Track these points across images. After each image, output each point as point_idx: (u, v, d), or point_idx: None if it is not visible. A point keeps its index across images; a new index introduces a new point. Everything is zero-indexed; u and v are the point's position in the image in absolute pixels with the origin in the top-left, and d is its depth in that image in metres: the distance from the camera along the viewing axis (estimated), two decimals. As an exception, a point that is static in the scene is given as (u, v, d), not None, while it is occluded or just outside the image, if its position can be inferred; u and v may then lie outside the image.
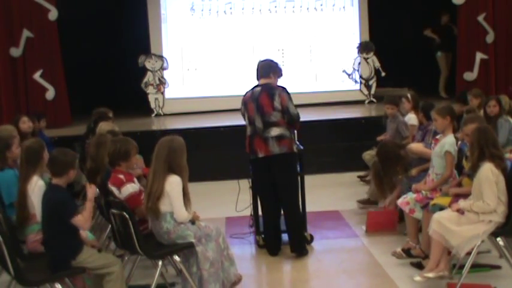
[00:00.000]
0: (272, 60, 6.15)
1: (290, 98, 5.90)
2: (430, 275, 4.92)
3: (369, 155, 7.68)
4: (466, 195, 5.10)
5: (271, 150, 5.84)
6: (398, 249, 5.77)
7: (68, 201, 4.51)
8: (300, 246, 5.97)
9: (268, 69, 6.04)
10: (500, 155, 4.90)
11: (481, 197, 4.81)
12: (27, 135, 7.07)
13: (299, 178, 6.12)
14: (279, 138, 5.82)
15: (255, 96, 5.96)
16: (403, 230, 6.28)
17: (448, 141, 5.54)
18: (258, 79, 6.09)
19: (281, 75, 6.12)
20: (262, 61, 6.15)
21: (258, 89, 6.00)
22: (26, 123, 7.50)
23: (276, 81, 6.06)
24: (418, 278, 4.97)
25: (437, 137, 5.83)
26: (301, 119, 6.02)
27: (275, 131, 5.82)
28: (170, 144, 4.77)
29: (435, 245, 4.96)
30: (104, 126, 6.58)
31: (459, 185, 5.38)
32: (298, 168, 6.15)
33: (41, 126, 8.17)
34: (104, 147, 5.43)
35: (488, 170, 4.76)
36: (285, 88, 5.95)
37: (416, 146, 6.27)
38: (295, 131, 6.11)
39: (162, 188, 4.68)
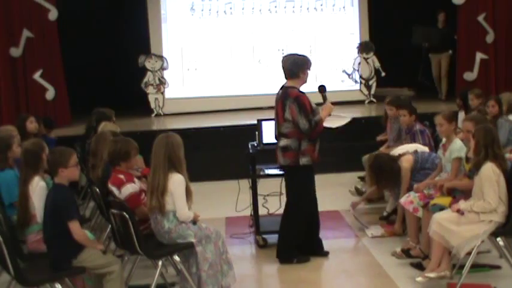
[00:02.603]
0: (298, 56, 5.75)
1: (301, 109, 5.52)
2: (432, 275, 4.92)
3: None
4: (465, 194, 5.11)
5: (279, 161, 5.81)
6: (398, 250, 5.77)
7: (69, 203, 4.50)
8: (282, 254, 5.89)
9: (296, 68, 5.66)
10: (503, 155, 4.92)
11: (482, 196, 4.81)
12: (32, 136, 7.08)
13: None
14: (284, 149, 5.69)
15: (276, 101, 5.76)
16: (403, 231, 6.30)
17: (455, 148, 5.58)
18: (285, 78, 5.77)
19: (309, 67, 5.71)
20: (287, 57, 5.75)
21: (280, 92, 5.74)
22: (33, 123, 7.53)
23: (305, 77, 5.71)
24: (419, 279, 4.96)
25: (443, 142, 5.84)
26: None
27: (282, 142, 5.69)
28: (166, 140, 4.78)
29: (436, 246, 4.96)
30: (107, 127, 6.59)
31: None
32: None
33: (45, 132, 8.17)
34: (104, 144, 5.47)
35: (489, 169, 4.77)
36: (298, 96, 5.57)
37: (405, 161, 6.23)
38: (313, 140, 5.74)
39: (165, 184, 4.69)
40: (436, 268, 4.95)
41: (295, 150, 5.64)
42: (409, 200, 5.65)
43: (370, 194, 6.92)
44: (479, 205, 4.82)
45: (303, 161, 5.65)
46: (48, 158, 4.65)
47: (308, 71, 5.71)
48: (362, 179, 8.44)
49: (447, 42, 11.33)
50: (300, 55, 5.80)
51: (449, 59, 11.41)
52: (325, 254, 5.96)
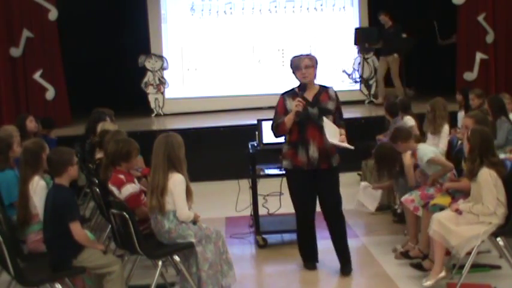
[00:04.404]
0: (292, 57, 5.60)
1: (275, 108, 5.54)
2: (429, 282, 4.91)
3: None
4: (464, 194, 5.11)
5: None
6: (399, 246, 5.76)
7: (71, 203, 4.50)
8: None
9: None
10: (500, 161, 4.91)
11: (480, 200, 4.80)
12: (32, 135, 7.09)
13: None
14: None
15: None
16: (403, 230, 6.29)
17: (422, 155, 5.53)
18: None
19: (296, 67, 5.46)
20: None
21: None
22: (32, 122, 7.54)
23: (299, 78, 5.50)
24: (428, 283, 4.93)
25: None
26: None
27: None
28: (166, 140, 4.78)
29: (437, 247, 4.94)
30: (106, 126, 6.59)
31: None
32: None
33: (45, 132, 8.17)
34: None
35: (487, 174, 4.76)
36: (279, 99, 5.56)
37: (408, 158, 6.21)
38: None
39: (165, 183, 4.68)
40: (441, 270, 4.93)
41: (282, 152, 5.60)
42: (410, 199, 5.63)
43: (385, 186, 6.75)
44: (478, 208, 4.81)
45: (283, 164, 5.57)
46: (51, 158, 4.61)
47: (297, 72, 5.48)
48: (361, 175, 8.45)
49: (392, 44, 10.97)
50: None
51: (398, 62, 11.04)
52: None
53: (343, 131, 5.46)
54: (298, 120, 5.35)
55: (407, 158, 6.12)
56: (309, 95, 5.47)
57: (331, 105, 5.49)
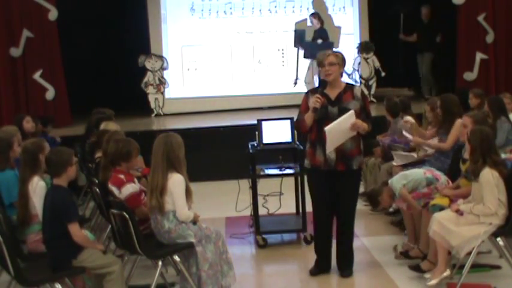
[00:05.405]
0: (319, 54, 5.57)
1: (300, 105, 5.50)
2: (434, 281, 4.91)
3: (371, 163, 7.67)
4: (462, 197, 5.11)
5: None
6: (399, 246, 5.76)
7: (69, 204, 4.50)
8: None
9: None
10: (502, 161, 4.90)
11: (481, 201, 4.80)
12: (30, 135, 7.10)
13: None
14: None
15: None
16: (403, 230, 6.29)
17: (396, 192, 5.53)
18: None
19: (320, 63, 5.40)
20: None
21: None
22: (29, 123, 7.56)
23: (323, 74, 5.43)
24: (432, 282, 4.92)
25: None
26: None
27: None
28: (165, 140, 4.78)
29: (440, 247, 4.93)
30: (109, 126, 6.58)
31: (457, 187, 5.36)
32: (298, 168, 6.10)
33: (44, 130, 8.17)
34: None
35: (489, 174, 4.75)
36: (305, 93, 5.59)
37: (458, 125, 6.11)
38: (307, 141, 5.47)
39: (164, 183, 4.68)
40: (444, 271, 4.93)
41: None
42: (402, 200, 5.63)
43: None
44: (478, 208, 4.81)
45: (305, 163, 5.51)
46: (50, 159, 4.59)
47: (321, 69, 5.40)
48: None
49: (312, 49, 10.72)
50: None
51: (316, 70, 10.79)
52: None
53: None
54: (317, 119, 5.24)
55: (458, 124, 6.04)
56: (333, 94, 5.32)
57: (353, 105, 5.27)
